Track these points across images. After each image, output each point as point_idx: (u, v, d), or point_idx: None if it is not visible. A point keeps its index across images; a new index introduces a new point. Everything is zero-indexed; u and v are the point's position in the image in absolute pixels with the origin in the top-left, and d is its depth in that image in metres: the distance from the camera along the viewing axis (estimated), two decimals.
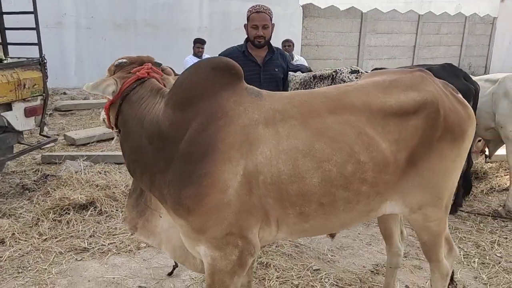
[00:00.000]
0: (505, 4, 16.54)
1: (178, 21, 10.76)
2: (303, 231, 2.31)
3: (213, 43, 8.62)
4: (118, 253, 3.76)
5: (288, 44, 7.46)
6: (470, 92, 4.37)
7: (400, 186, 2.28)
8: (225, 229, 2.06)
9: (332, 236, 3.61)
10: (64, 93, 9.28)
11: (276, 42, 7.87)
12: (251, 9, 3.46)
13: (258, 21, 3.41)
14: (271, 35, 3.52)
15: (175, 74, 2.53)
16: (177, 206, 2.09)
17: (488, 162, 5.75)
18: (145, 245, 3.87)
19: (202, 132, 2.05)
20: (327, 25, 13.40)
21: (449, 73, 4.51)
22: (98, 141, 6.67)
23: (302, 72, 5.57)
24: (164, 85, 2.36)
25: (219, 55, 3.43)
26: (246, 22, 3.54)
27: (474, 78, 5.14)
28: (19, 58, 4.80)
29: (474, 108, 4.45)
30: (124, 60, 2.38)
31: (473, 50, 16.76)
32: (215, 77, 2.15)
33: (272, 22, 3.51)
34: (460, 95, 2.41)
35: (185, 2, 11.01)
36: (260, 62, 3.55)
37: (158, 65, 2.48)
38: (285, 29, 12.10)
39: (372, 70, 5.86)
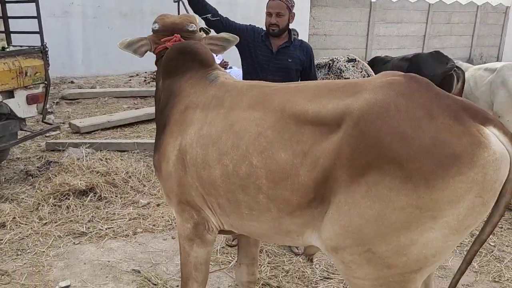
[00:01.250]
0: None
1: (184, 10, 10.77)
2: (233, 226, 2.23)
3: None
4: (115, 237, 3.85)
5: (293, 33, 7.44)
6: (450, 77, 4.49)
7: (311, 213, 1.85)
8: (175, 197, 2.27)
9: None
10: (72, 82, 9.39)
11: None
12: None
13: (273, 9, 3.33)
14: (287, 24, 3.39)
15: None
16: (154, 168, 2.46)
17: None
18: (141, 230, 3.95)
19: (166, 105, 2.38)
20: (335, 15, 13.31)
21: (435, 59, 4.70)
22: (103, 129, 6.76)
23: None
24: None
25: (247, 25, 3.54)
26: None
27: (474, 67, 5.14)
28: (21, 46, 4.89)
29: (460, 95, 4.52)
30: (156, 27, 2.59)
31: (485, 40, 16.52)
32: (182, 60, 2.40)
33: (292, 11, 3.39)
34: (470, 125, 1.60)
35: None
36: (274, 50, 3.45)
37: (205, 31, 2.81)
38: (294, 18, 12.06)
39: (372, 59, 5.88)
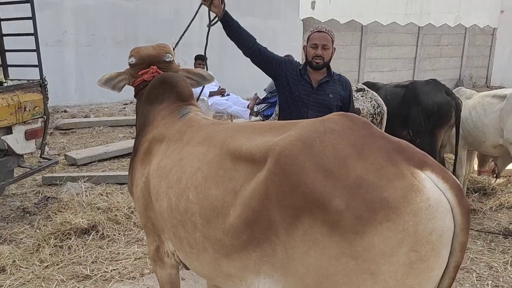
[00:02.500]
0: (505, 15, 16.57)
1: (179, 36, 10.74)
2: (183, 261, 2.26)
3: (213, 59, 8.56)
4: (121, 280, 3.66)
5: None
6: (449, 106, 4.43)
7: (249, 257, 1.69)
8: (143, 219, 2.36)
9: None
10: (65, 111, 9.22)
11: None
12: (312, 29, 3.24)
13: (319, 40, 3.13)
14: (330, 58, 3.22)
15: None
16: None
17: (495, 178, 5.66)
18: (149, 271, 3.77)
19: (141, 132, 2.48)
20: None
21: (432, 87, 4.63)
22: (100, 161, 6.58)
23: None
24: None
25: (285, 57, 3.35)
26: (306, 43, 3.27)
27: (479, 94, 5.11)
28: (19, 80, 4.74)
29: (458, 122, 4.47)
30: (133, 61, 2.61)
31: (474, 61, 16.75)
32: (162, 89, 2.48)
33: (334, 46, 3.22)
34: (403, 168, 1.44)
35: (185, 18, 10.95)
36: (314, 85, 3.23)
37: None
38: (285, 43, 12.10)
39: (363, 83, 5.78)
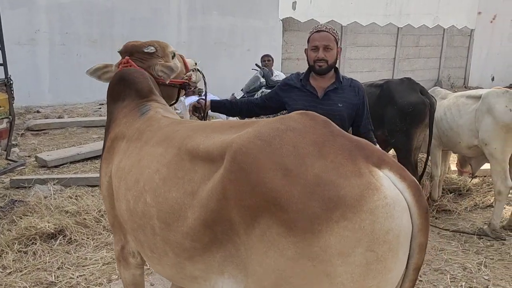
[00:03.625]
0: (482, 16, 16.79)
1: (156, 36, 10.48)
2: (149, 266, 2.30)
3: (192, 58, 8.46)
4: (88, 286, 3.53)
5: (267, 59, 7.35)
6: (424, 106, 4.39)
7: (213, 258, 1.65)
8: (110, 218, 2.30)
9: None
10: (38, 112, 8.99)
11: (257, 57, 7.77)
12: (311, 29, 2.88)
13: (319, 41, 2.77)
14: (336, 59, 2.84)
15: None
16: None
17: (471, 177, 5.68)
18: (116, 277, 3.64)
19: (106, 130, 2.45)
20: (307, 39, 13.37)
21: (407, 87, 4.56)
22: (72, 162, 6.41)
23: None
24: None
25: (280, 83, 3.10)
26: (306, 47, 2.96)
27: (454, 94, 5.10)
28: None
29: (431, 122, 4.45)
30: (119, 50, 2.70)
31: (452, 62, 16.93)
32: (122, 86, 2.44)
33: (339, 46, 2.87)
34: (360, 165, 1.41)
35: (163, 17, 10.86)
36: (320, 94, 2.86)
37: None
38: (266, 43, 12.06)
39: None
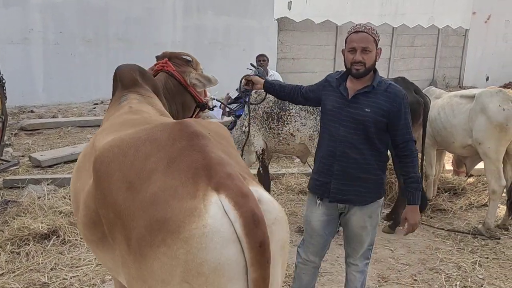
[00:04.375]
0: (477, 16, 16.83)
1: (151, 35, 10.54)
2: None
3: None
4: (81, 287, 3.51)
5: (262, 59, 7.33)
6: (419, 105, 4.40)
7: (113, 253, 1.61)
8: None
9: None
10: (32, 111, 8.92)
11: (252, 56, 7.74)
12: (350, 29, 2.71)
13: (357, 43, 2.60)
14: (374, 62, 2.67)
15: None
16: None
17: (466, 177, 5.68)
18: (110, 277, 3.62)
19: None
20: (302, 39, 13.36)
21: (401, 86, 4.55)
22: (66, 162, 6.37)
23: None
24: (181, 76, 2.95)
25: (324, 79, 3.01)
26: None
27: (448, 93, 5.10)
28: None
29: (425, 121, 4.45)
30: (157, 55, 3.04)
31: (447, 62, 16.96)
32: (114, 81, 2.58)
33: (379, 47, 2.69)
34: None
35: (158, 16, 10.81)
36: (350, 95, 2.71)
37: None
38: (261, 43, 12.02)
39: None
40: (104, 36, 10.08)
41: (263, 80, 3.24)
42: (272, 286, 1.36)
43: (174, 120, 1.65)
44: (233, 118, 5.39)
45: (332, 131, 2.74)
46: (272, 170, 6.18)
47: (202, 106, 3.21)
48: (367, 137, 2.67)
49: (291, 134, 4.60)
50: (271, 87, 3.20)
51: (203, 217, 1.27)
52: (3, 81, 4.41)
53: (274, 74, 7.58)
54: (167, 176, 1.35)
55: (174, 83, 2.97)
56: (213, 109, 3.39)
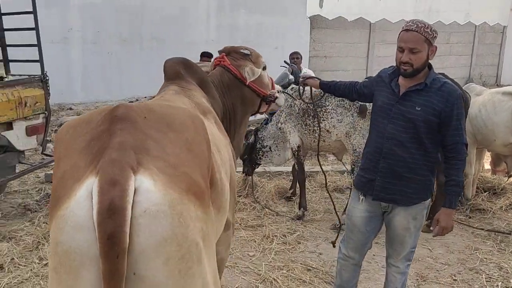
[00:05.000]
0: None
1: (185, 34, 10.68)
2: None
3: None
4: None
5: (296, 56, 7.31)
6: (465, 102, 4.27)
7: None
8: None
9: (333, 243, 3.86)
10: (70, 109, 9.19)
11: (284, 55, 7.75)
12: (403, 26, 2.58)
13: (405, 42, 2.51)
14: (425, 62, 2.55)
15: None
16: None
17: (507, 176, 5.53)
18: None
19: None
20: (335, 36, 13.26)
21: None
22: None
23: None
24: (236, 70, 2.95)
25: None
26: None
27: (489, 90, 4.98)
28: (20, 75, 4.68)
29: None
30: (219, 50, 3.09)
31: (483, 59, 16.52)
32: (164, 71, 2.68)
33: (434, 44, 2.54)
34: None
35: (192, 16, 10.94)
36: (400, 92, 2.65)
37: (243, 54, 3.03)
38: (293, 41, 12.00)
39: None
40: (138, 35, 10.28)
41: (318, 81, 3.35)
42: (144, 284, 1.33)
43: (112, 106, 1.64)
44: (266, 116, 5.41)
45: (380, 127, 2.69)
46: (306, 167, 6.15)
47: (267, 100, 3.16)
48: (417, 136, 2.59)
49: (327, 131, 4.58)
50: (326, 86, 3.29)
51: (71, 199, 1.32)
52: (47, 78, 4.54)
53: (307, 72, 7.55)
54: (79, 157, 1.43)
55: (229, 77, 2.96)
56: (274, 101, 3.26)
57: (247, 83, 2.94)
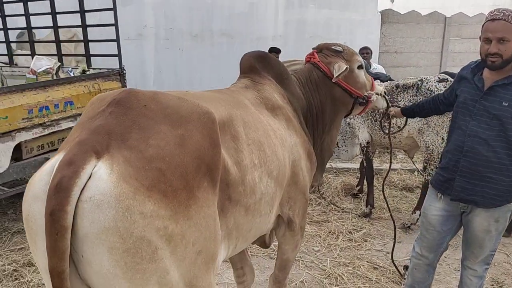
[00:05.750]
0: None
1: (253, 30, 10.77)
2: None
3: (288, 52, 8.50)
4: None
5: (366, 51, 7.17)
6: None
7: None
8: None
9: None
10: None
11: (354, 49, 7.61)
12: (487, 16, 2.47)
13: (492, 33, 2.37)
14: None
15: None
16: None
17: None
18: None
19: None
20: (407, 31, 12.80)
21: None
22: None
23: (381, 81, 5.28)
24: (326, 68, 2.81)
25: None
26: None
27: None
28: (100, 69, 4.96)
29: None
30: (313, 47, 2.99)
31: None
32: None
33: None
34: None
35: (260, 11, 11.01)
36: (485, 87, 2.52)
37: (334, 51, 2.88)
38: (363, 36, 11.72)
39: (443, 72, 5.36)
40: (209, 31, 10.50)
41: (399, 109, 3.26)
42: (92, 268, 1.38)
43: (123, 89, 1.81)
44: None
45: (461, 124, 2.57)
46: (374, 164, 6.03)
47: (359, 101, 2.91)
48: (503, 134, 2.43)
49: (398, 127, 4.45)
50: (410, 112, 3.19)
51: (40, 170, 1.44)
52: (124, 72, 4.78)
53: (377, 67, 7.37)
54: (76, 131, 1.54)
55: (318, 74, 2.82)
56: (366, 104, 2.98)
57: (333, 80, 2.76)
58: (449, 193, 2.63)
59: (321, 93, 2.81)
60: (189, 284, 1.54)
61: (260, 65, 2.60)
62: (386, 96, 3.21)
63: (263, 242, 2.57)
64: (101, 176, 1.34)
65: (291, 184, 2.38)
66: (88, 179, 1.33)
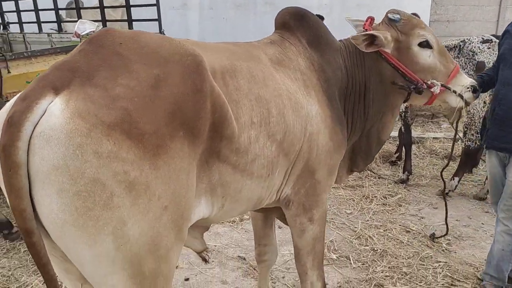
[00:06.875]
0: None
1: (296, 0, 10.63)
2: None
3: (333, 21, 8.34)
4: (222, 222, 3.82)
5: None
6: None
7: None
8: None
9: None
10: None
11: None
12: None
13: None
14: None
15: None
16: None
17: None
18: (248, 216, 3.88)
19: None
20: None
21: None
22: None
23: None
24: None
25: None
26: None
27: None
28: None
29: None
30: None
31: None
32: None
33: None
34: None
35: None
36: None
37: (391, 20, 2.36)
38: (412, 3, 11.26)
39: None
40: (252, 2, 10.45)
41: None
42: (43, 212, 1.30)
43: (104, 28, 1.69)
44: None
45: (500, 74, 2.61)
46: (416, 133, 5.91)
47: (415, 88, 2.29)
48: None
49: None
50: (484, 87, 2.76)
51: (9, 103, 1.42)
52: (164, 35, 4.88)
53: None
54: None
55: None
56: (420, 92, 2.34)
57: (366, 51, 2.27)
58: (485, 143, 2.67)
59: (366, 67, 2.37)
60: (151, 242, 1.40)
61: (296, 23, 2.28)
62: (463, 95, 2.32)
63: (282, 215, 2.32)
64: (53, 111, 1.27)
65: (301, 159, 2.08)
66: (43, 115, 1.27)
